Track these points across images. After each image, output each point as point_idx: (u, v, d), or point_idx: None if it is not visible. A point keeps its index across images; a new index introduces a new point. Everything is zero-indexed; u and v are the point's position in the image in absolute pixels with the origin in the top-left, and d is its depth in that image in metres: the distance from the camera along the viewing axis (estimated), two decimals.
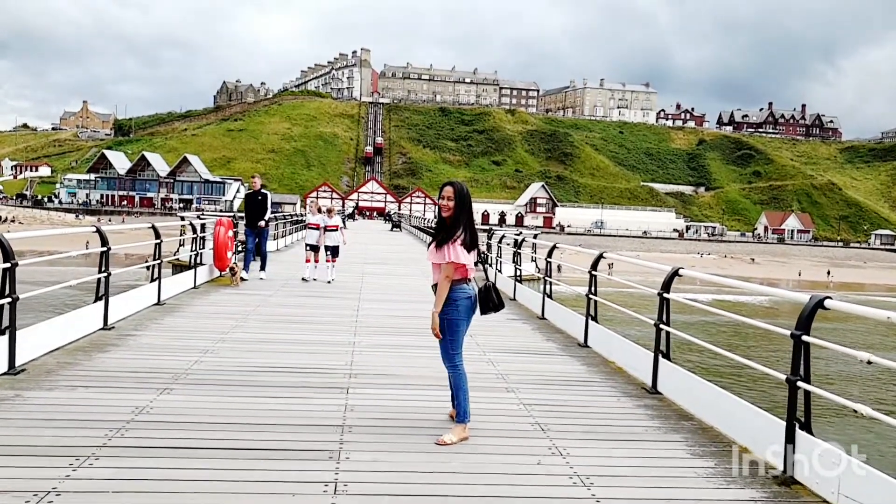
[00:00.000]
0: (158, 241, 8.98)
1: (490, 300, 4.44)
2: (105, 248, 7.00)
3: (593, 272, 7.44)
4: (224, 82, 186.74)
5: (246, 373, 5.53)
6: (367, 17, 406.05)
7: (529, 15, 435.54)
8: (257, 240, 12.22)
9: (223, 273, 11.60)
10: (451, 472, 3.69)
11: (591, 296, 7.38)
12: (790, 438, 3.76)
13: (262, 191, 12.22)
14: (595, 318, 7.35)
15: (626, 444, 4.26)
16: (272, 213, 12.59)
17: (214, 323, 7.69)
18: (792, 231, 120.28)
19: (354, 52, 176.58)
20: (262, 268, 12.22)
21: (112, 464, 3.51)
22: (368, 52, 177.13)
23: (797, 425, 3.75)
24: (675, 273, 5.59)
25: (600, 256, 7.48)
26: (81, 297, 17.83)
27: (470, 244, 4.33)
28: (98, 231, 7.00)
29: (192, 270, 10.93)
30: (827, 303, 3.72)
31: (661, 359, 5.57)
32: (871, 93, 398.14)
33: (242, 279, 11.47)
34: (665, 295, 5.55)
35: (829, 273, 62.89)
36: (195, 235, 11.46)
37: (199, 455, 3.70)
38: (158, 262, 8.92)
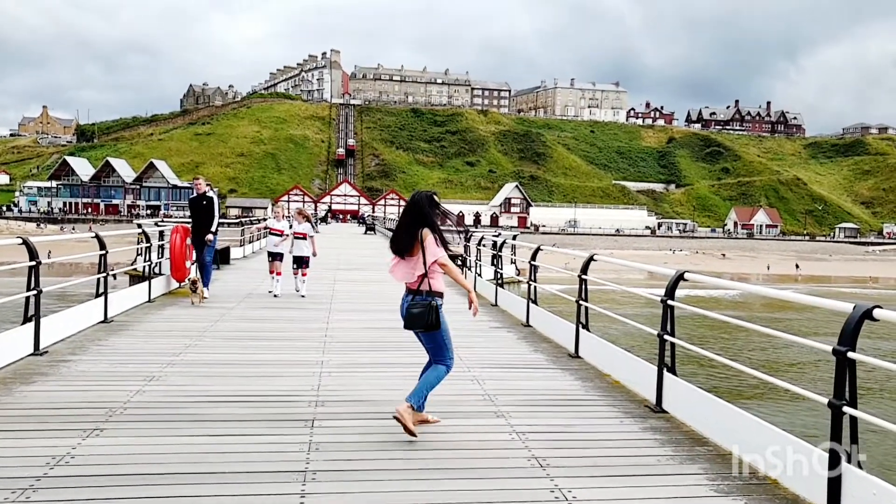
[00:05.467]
0: (104, 251, 8.14)
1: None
2: (34, 263, 6.18)
3: (583, 276, 6.85)
4: (191, 86, 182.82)
5: (193, 404, 4.78)
6: (336, 19, 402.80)
7: (500, 16, 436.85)
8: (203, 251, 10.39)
9: (182, 284, 10.73)
10: None
11: (581, 302, 6.78)
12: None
13: (208, 194, 10.47)
14: (586, 327, 6.76)
15: (639, 481, 3.64)
16: (220, 221, 10.66)
17: (165, 343, 6.90)
18: (761, 226, 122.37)
19: (324, 54, 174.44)
20: (205, 284, 10.18)
21: None
22: (338, 54, 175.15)
23: (843, 457, 3.17)
24: (681, 277, 5.00)
25: (590, 259, 6.88)
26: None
27: (394, 248, 4.35)
28: (25, 243, 6.16)
29: (147, 282, 10.08)
30: (876, 313, 3.14)
31: (665, 373, 4.98)
32: (831, 90, 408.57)
33: (204, 297, 9.98)
34: (669, 302, 4.97)
35: (797, 266, 63.78)
36: (149, 244, 10.59)
37: None
38: (104, 274, 8.09)
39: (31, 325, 6.21)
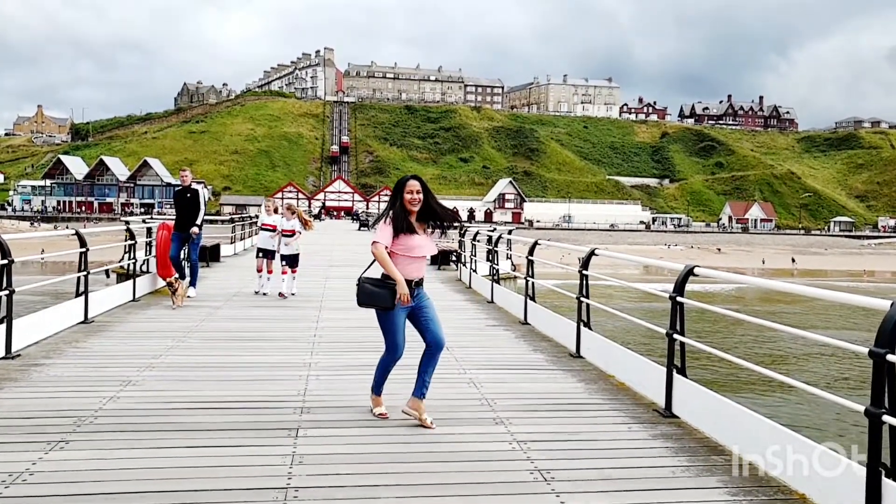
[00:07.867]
0: (84, 249, 7.78)
1: None
2: (6, 262, 5.82)
3: (584, 272, 6.54)
4: (185, 84, 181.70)
5: (169, 412, 4.44)
6: (329, 16, 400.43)
7: (493, 13, 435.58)
8: (186, 248, 9.98)
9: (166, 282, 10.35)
10: None
11: (582, 299, 6.47)
12: (874, 491, 2.86)
13: (193, 187, 10.00)
14: (588, 325, 6.45)
15: (652, 496, 3.32)
16: (205, 214, 10.21)
17: (146, 344, 6.55)
18: (755, 220, 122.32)
19: (318, 52, 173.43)
20: (192, 284, 9.95)
21: None
22: (332, 52, 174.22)
23: (883, 472, 2.86)
24: (690, 272, 4.70)
25: (592, 253, 6.56)
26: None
27: None
28: None
29: (131, 281, 9.72)
30: None
31: (675, 375, 4.67)
32: (822, 84, 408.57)
33: (189, 296, 9.57)
34: (679, 298, 4.65)
35: (793, 260, 63.68)
36: (134, 241, 10.22)
37: None
38: (85, 273, 7.74)
39: (3, 326, 5.86)
